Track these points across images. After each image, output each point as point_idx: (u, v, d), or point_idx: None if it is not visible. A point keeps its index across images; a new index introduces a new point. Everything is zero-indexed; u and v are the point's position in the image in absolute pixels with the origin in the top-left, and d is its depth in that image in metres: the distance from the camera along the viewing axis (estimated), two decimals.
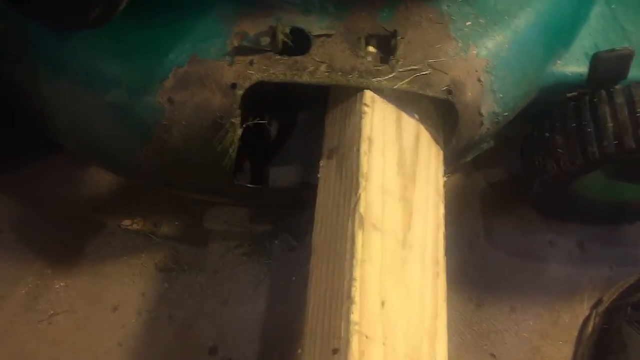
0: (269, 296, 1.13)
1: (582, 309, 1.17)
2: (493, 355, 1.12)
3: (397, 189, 0.86)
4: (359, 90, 0.92)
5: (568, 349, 1.13)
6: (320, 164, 0.92)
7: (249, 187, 1.05)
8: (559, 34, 1.06)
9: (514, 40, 0.99)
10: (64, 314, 1.09)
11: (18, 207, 1.20)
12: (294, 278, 1.14)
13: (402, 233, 0.83)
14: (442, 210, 0.92)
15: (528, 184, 1.13)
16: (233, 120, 0.90)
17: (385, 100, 0.93)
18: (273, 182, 1.12)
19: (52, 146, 1.14)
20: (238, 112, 0.90)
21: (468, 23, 0.98)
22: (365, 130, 0.87)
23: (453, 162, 1.12)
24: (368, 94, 0.91)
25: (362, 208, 0.80)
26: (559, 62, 1.07)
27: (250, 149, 1.04)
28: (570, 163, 1.00)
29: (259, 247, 1.18)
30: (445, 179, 0.99)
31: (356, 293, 0.73)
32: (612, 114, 0.97)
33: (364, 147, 0.85)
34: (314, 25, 0.94)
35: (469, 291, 1.18)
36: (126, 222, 1.18)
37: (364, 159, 0.84)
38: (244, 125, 0.92)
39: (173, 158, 0.96)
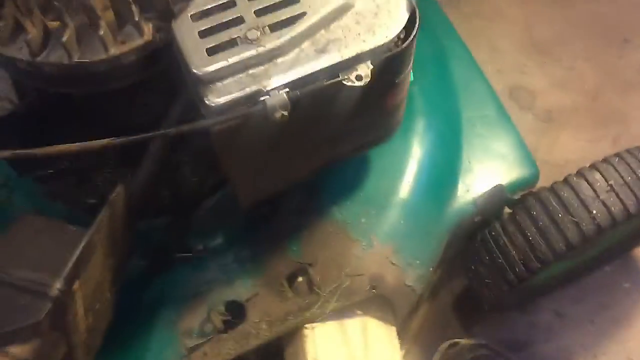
0: None
1: None
2: None
3: None
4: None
5: None
6: None
7: None
8: (442, 180, 1.18)
9: (405, 213, 1.12)
10: None
11: None
12: None
13: None
14: None
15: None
16: None
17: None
18: None
19: None
20: None
21: (363, 220, 1.11)
22: (310, 355, 1.02)
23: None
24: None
25: None
26: (453, 201, 1.17)
27: None
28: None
29: None
30: (403, 352, 1.11)
31: None
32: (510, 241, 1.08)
33: None
34: (242, 291, 1.06)
35: None
36: None
37: None
38: None
39: None
